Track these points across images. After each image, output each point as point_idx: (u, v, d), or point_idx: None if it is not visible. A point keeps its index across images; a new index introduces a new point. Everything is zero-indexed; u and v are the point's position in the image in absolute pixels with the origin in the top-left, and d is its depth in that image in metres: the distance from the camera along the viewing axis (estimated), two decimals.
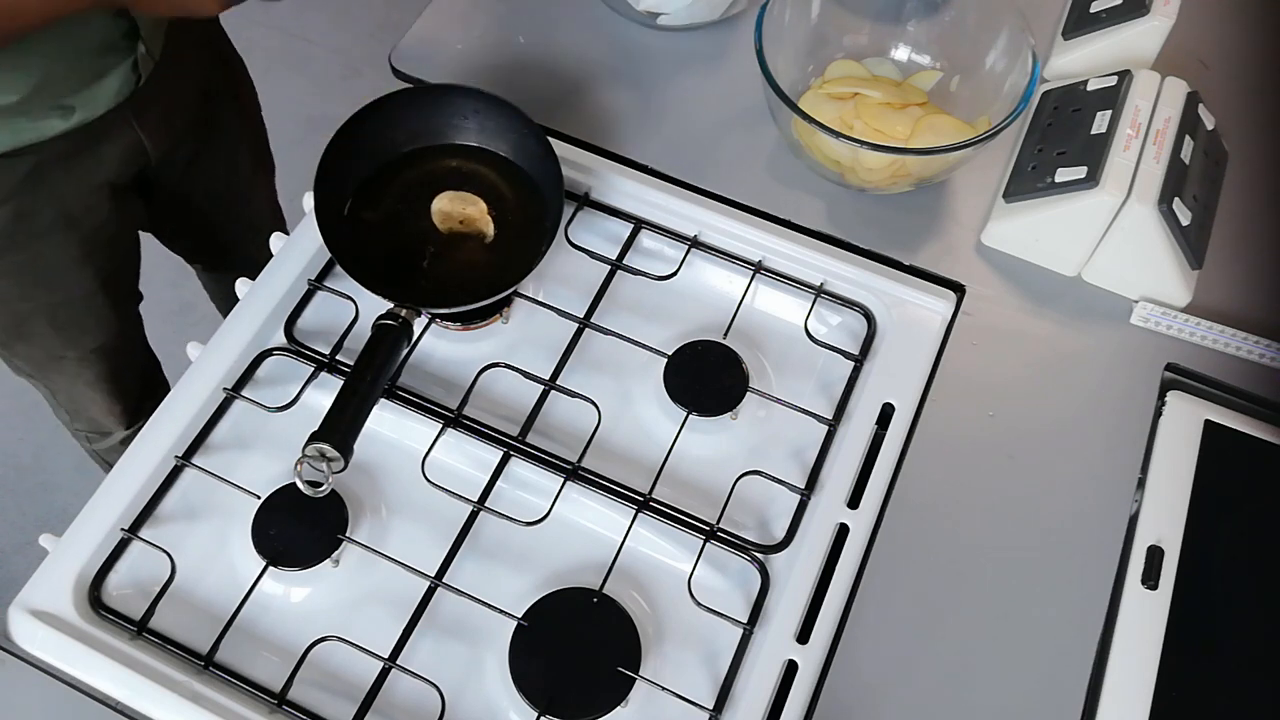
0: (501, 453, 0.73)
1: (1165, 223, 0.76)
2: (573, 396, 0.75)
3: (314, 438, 0.65)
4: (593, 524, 0.72)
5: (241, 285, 0.80)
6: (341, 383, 0.69)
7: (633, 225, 0.84)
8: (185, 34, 0.92)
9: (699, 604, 0.67)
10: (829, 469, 0.74)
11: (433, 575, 0.68)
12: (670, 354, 0.77)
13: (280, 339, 0.78)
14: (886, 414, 0.76)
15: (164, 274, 1.11)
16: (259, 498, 0.70)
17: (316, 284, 0.80)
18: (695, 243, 0.83)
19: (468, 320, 0.79)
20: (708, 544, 0.70)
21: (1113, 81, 0.83)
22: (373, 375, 0.69)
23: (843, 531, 0.71)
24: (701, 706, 0.64)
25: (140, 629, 0.66)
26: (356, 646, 0.65)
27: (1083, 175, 0.77)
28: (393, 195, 0.81)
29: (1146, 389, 0.78)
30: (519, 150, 0.82)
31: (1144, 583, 0.69)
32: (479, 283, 0.75)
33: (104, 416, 1.15)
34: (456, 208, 0.79)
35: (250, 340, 0.77)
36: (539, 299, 0.80)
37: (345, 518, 0.70)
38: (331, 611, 0.69)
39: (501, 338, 0.80)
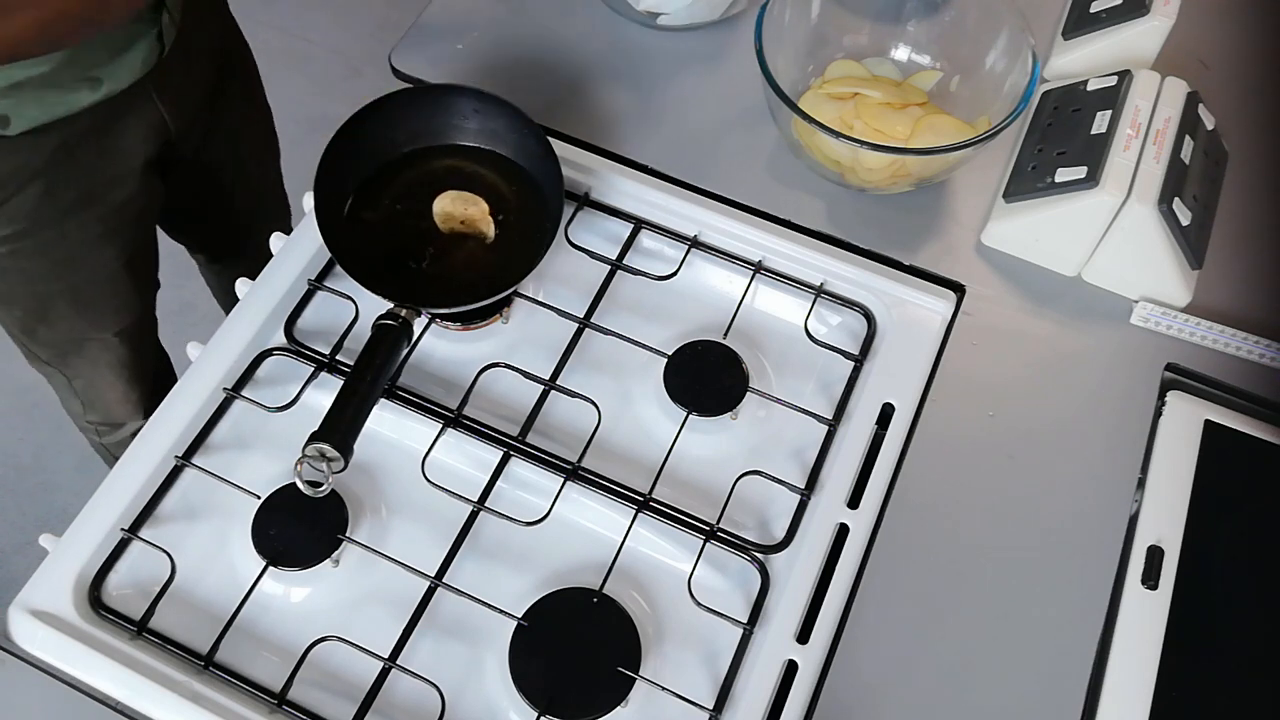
0: (501, 453, 0.73)
1: (1165, 223, 0.76)
2: (573, 396, 0.75)
3: (314, 438, 0.65)
4: (593, 524, 0.72)
5: (241, 285, 0.80)
6: (341, 383, 0.69)
7: (633, 225, 0.84)
8: (200, 3, 0.94)
9: (699, 604, 0.67)
10: (829, 469, 0.74)
11: (433, 575, 0.68)
12: (670, 354, 0.77)
13: (280, 339, 0.78)
14: (886, 414, 0.76)
15: (164, 274, 1.12)
16: (259, 498, 0.70)
17: (316, 284, 0.80)
18: (695, 243, 0.83)
19: (468, 320, 0.79)
20: (708, 544, 0.70)
21: (1113, 81, 0.83)
22: (373, 375, 0.69)
23: (843, 531, 0.71)
24: (701, 706, 0.64)
25: (140, 629, 0.66)
26: (356, 646, 0.65)
27: (1083, 175, 0.77)
28: (393, 195, 0.81)
29: (1146, 389, 0.78)
30: (519, 150, 0.82)
31: (1144, 583, 0.69)
32: (479, 283, 0.75)
33: (119, 404, 1.16)
34: (458, 208, 0.79)
35: (250, 340, 0.77)
36: (539, 299, 0.80)
37: (345, 518, 0.70)
38: (331, 611, 0.69)
39: (501, 338, 0.80)
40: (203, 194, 1.11)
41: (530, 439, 0.74)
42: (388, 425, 0.75)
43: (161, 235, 1.14)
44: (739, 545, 0.70)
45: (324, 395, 0.72)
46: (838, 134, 0.76)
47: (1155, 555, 0.70)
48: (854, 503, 0.72)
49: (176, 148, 0.99)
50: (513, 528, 0.70)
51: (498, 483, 0.72)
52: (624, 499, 0.72)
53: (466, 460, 0.74)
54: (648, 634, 0.68)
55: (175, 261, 1.26)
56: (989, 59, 0.85)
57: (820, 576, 0.69)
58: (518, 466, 0.73)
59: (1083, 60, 0.91)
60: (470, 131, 0.82)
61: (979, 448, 0.76)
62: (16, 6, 0.65)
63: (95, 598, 0.68)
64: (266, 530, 0.69)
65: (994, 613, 0.69)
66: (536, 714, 0.63)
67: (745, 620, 0.68)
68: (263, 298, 0.79)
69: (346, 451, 0.65)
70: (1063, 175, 0.79)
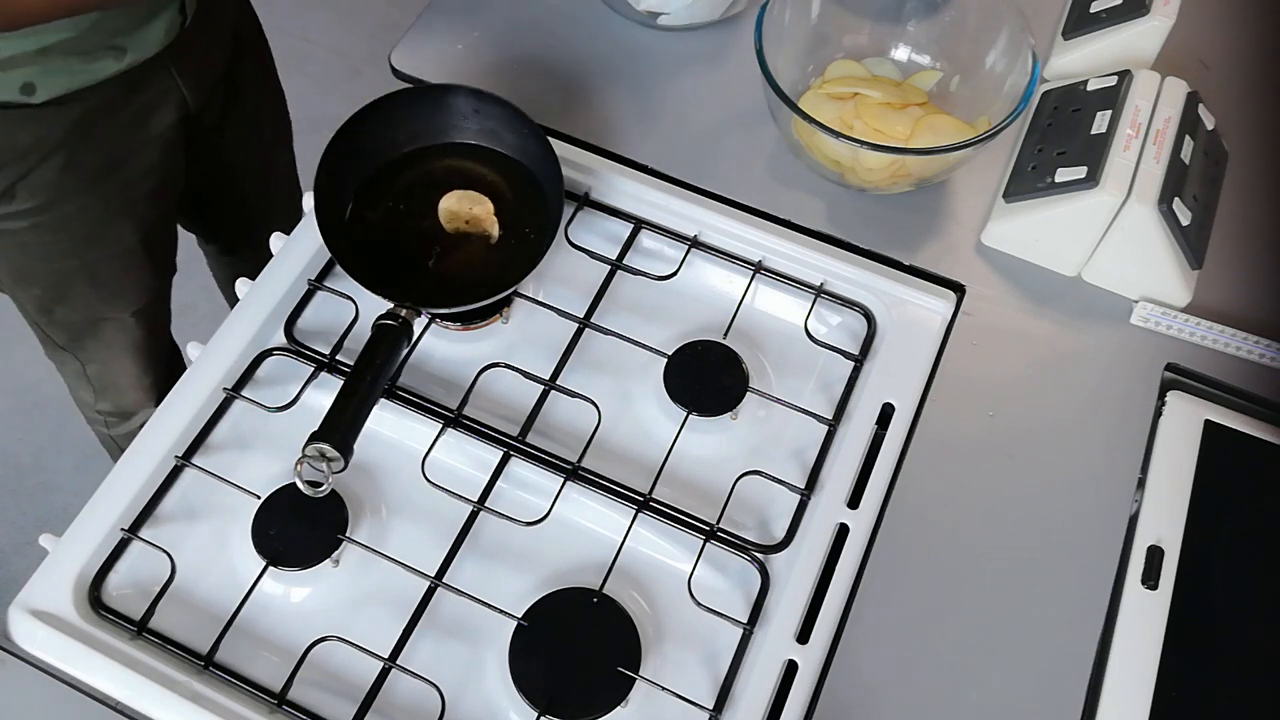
0: (501, 453, 0.73)
1: (1165, 223, 0.76)
2: (573, 396, 0.75)
3: (314, 438, 0.65)
4: (593, 524, 0.72)
5: (241, 285, 0.80)
6: (341, 383, 0.69)
7: (633, 225, 0.84)
8: None
9: (699, 604, 0.67)
10: (829, 469, 0.74)
11: (433, 575, 0.68)
12: (670, 354, 0.77)
13: (280, 339, 0.78)
14: (886, 414, 0.76)
15: None
16: (259, 498, 0.70)
17: (316, 284, 0.80)
18: (695, 243, 0.83)
19: (468, 320, 0.79)
20: (708, 544, 0.70)
21: (1113, 81, 0.83)
22: (373, 375, 0.69)
23: (843, 531, 0.71)
24: (701, 706, 0.64)
25: (140, 629, 0.66)
26: (356, 646, 0.65)
27: (1083, 175, 0.77)
28: (393, 195, 0.81)
29: (1146, 389, 0.78)
30: (519, 150, 0.82)
31: (1144, 583, 0.69)
32: (479, 283, 0.75)
33: (132, 390, 1.17)
34: (464, 207, 0.79)
35: (250, 340, 0.77)
36: (539, 299, 0.80)
37: (345, 518, 0.70)
38: (331, 611, 0.69)
39: (501, 338, 0.80)
40: (218, 174, 1.12)
41: (530, 439, 0.74)
42: (388, 425, 0.75)
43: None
44: (739, 545, 0.70)
45: (324, 395, 0.72)
46: (838, 134, 0.76)
47: (1155, 555, 0.70)
48: (854, 503, 0.72)
49: (194, 125, 0.99)
50: (513, 528, 0.70)
51: (498, 483, 0.72)
52: (624, 499, 0.72)
53: (466, 460, 0.74)
54: (648, 634, 0.68)
55: (177, 261, 1.26)
56: (989, 59, 0.85)
57: (820, 576, 0.69)
58: (518, 466, 0.73)
59: (1083, 60, 0.91)
60: (470, 131, 0.82)
61: (979, 448, 0.76)
62: None
63: (95, 598, 0.68)
64: (266, 530, 0.69)
65: (994, 613, 0.69)
66: (536, 714, 0.63)
67: (745, 620, 0.68)
68: (263, 298, 0.79)
69: (346, 451, 0.65)
70: (1063, 175, 0.79)
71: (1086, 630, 0.68)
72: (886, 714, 0.66)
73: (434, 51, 0.94)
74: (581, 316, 0.79)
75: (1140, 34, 0.87)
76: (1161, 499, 0.73)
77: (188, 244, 1.16)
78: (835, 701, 0.66)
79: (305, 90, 2.08)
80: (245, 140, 1.11)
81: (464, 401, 0.74)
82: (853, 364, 0.78)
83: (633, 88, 0.93)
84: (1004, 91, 0.82)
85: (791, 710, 0.65)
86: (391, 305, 0.72)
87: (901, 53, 0.90)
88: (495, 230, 0.79)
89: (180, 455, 0.72)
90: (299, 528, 0.69)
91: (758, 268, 0.82)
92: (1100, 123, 0.80)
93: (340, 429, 0.66)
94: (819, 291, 0.81)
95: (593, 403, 0.74)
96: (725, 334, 0.79)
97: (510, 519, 0.70)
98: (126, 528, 0.70)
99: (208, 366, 0.76)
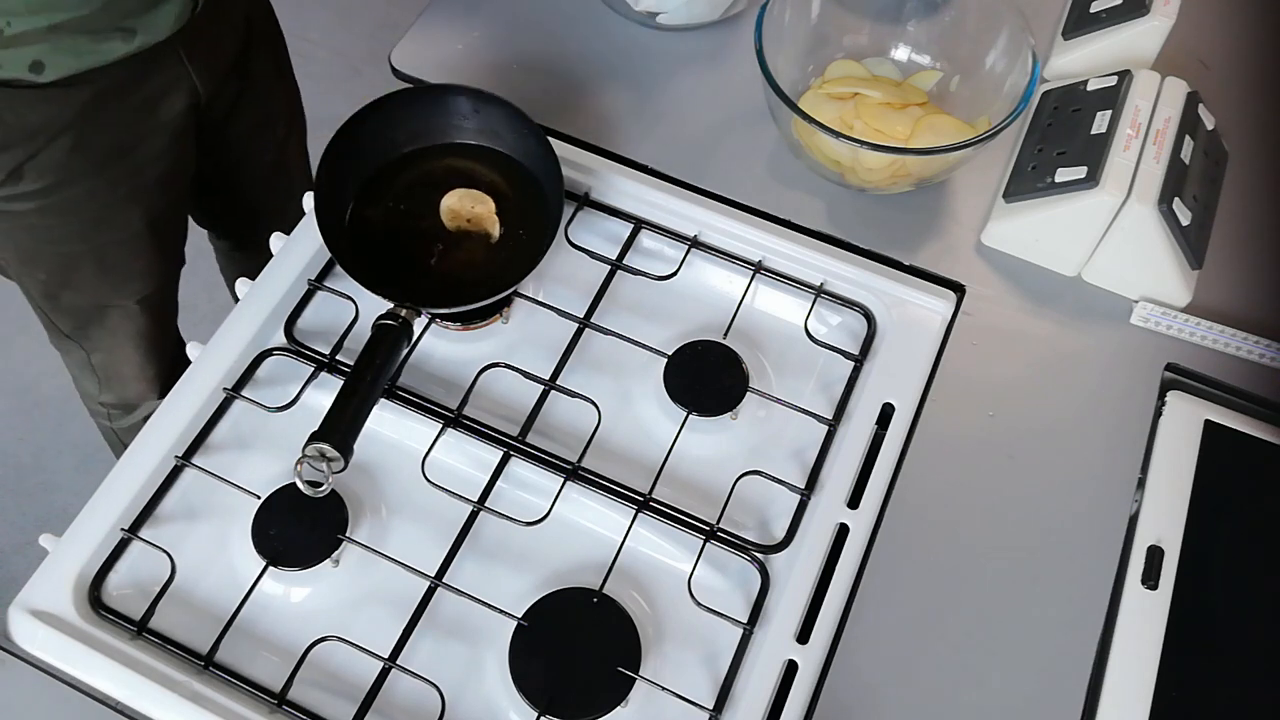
0: (501, 453, 0.73)
1: (1165, 223, 0.76)
2: (573, 396, 0.75)
3: (314, 438, 0.65)
4: (593, 524, 0.72)
5: (241, 285, 0.80)
6: (341, 383, 0.69)
7: (633, 225, 0.84)
8: None
9: (699, 604, 0.67)
10: (829, 469, 0.74)
11: (433, 575, 0.68)
12: (670, 354, 0.77)
13: (280, 339, 0.78)
14: (886, 414, 0.76)
15: None
16: (259, 498, 0.70)
17: (316, 284, 0.80)
18: (695, 243, 0.83)
19: (468, 320, 0.79)
20: (708, 544, 0.70)
21: (1113, 81, 0.83)
22: (373, 375, 0.69)
23: (843, 531, 0.71)
24: (701, 706, 0.64)
25: (140, 629, 0.66)
26: (356, 646, 0.65)
27: (1083, 175, 0.77)
28: (393, 195, 0.81)
29: (1146, 389, 0.78)
30: (519, 150, 0.82)
31: (1144, 583, 0.69)
32: (479, 283, 0.75)
33: (135, 380, 1.17)
34: (465, 205, 0.79)
35: (250, 340, 0.77)
36: (539, 299, 0.80)
37: (345, 518, 0.70)
38: (331, 611, 0.69)
39: (501, 338, 0.80)
40: (229, 166, 1.12)
41: (530, 439, 0.74)
42: (388, 425, 0.75)
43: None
44: (739, 545, 0.70)
45: (324, 395, 0.72)
46: (838, 134, 0.76)
47: (1155, 555, 0.70)
48: (854, 503, 0.72)
49: (206, 114, 0.99)
50: (513, 528, 0.70)
51: (498, 483, 0.72)
52: (624, 499, 0.72)
53: (466, 460, 0.74)
54: (648, 634, 0.68)
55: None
56: (989, 59, 0.85)
57: (820, 576, 0.69)
58: (518, 466, 0.73)
59: (1083, 60, 0.91)
60: (470, 131, 0.82)
61: (979, 448, 0.76)
62: None
63: (95, 598, 0.68)
64: (266, 530, 0.69)
65: (994, 613, 0.69)
66: (536, 714, 0.63)
67: (745, 620, 0.68)
68: (263, 298, 0.79)
69: (346, 451, 0.65)
70: (1063, 175, 0.79)
71: (1086, 630, 0.68)
72: (886, 714, 0.66)
73: (434, 51, 0.94)
74: (581, 316, 0.79)
75: (1140, 34, 0.87)
76: (1161, 499, 0.73)
77: (192, 242, 1.16)
78: (835, 701, 0.66)
79: (305, 90, 2.07)
80: (256, 132, 1.11)
81: (464, 401, 0.74)
82: (853, 364, 0.78)
83: (633, 88, 0.93)
84: (1004, 91, 0.82)
85: (791, 710, 0.65)
86: (391, 305, 0.72)
87: (901, 53, 0.90)
88: (496, 231, 0.79)
89: (180, 455, 0.72)
90: (299, 528, 0.69)
91: (758, 268, 0.82)
92: (1100, 123, 0.80)
93: (340, 429, 0.66)
94: (819, 291, 0.81)
95: (593, 403, 0.74)
96: (725, 334, 0.79)
97: (510, 519, 0.70)
98: (126, 528, 0.70)
99: (208, 366, 0.76)
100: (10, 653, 0.65)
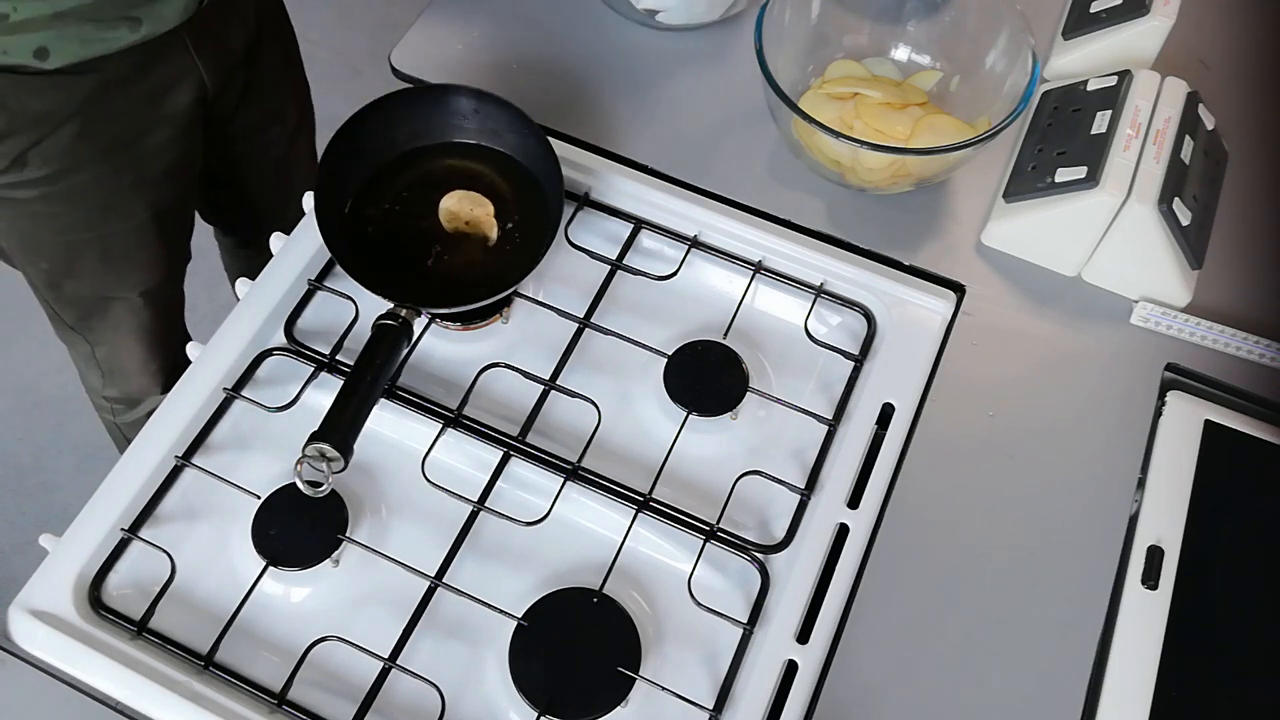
0: (501, 453, 0.73)
1: (1165, 223, 0.76)
2: (573, 396, 0.75)
3: (314, 438, 0.65)
4: (593, 524, 0.72)
5: (241, 285, 0.80)
6: (341, 383, 0.69)
7: (633, 225, 0.84)
8: None
9: (699, 604, 0.67)
10: (829, 469, 0.74)
11: (433, 575, 0.68)
12: (670, 354, 0.77)
13: (280, 339, 0.78)
14: (886, 414, 0.76)
15: None
16: (259, 498, 0.70)
17: (316, 284, 0.80)
18: (695, 243, 0.83)
19: (468, 320, 0.79)
20: (708, 544, 0.70)
21: (1113, 81, 0.83)
22: (373, 375, 0.69)
23: (843, 531, 0.71)
24: (701, 706, 0.64)
25: (140, 629, 0.66)
26: (356, 646, 0.65)
27: (1083, 175, 0.77)
28: (393, 195, 0.81)
29: (1146, 389, 0.78)
30: (519, 150, 0.82)
31: (1144, 583, 0.69)
32: (479, 283, 0.75)
33: (139, 374, 1.16)
34: (464, 207, 0.79)
35: (250, 340, 0.77)
36: (539, 299, 0.80)
37: (345, 518, 0.70)
38: (331, 611, 0.69)
39: (501, 338, 0.80)
40: (235, 161, 1.12)
41: (530, 439, 0.74)
42: (388, 425, 0.75)
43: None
44: (739, 545, 0.70)
45: (324, 395, 0.72)
46: (838, 134, 0.76)
47: (1155, 555, 0.70)
48: (854, 503, 0.72)
49: (212, 107, 0.99)
50: (513, 528, 0.70)
51: (498, 483, 0.72)
52: (624, 499, 0.72)
53: (466, 460, 0.74)
54: (648, 634, 0.68)
55: None
56: (989, 59, 0.85)
57: (820, 576, 0.69)
58: (518, 466, 0.73)
59: (1083, 60, 0.91)
60: (470, 131, 0.82)
61: (979, 448, 0.76)
62: None
63: (95, 598, 0.68)
64: (266, 530, 0.69)
65: (994, 613, 0.69)
66: (536, 714, 0.63)
67: (745, 620, 0.68)
68: (263, 298, 0.79)
69: (346, 451, 0.65)
70: (1063, 175, 0.79)
71: (1086, 630, 0.68)
72: (886, 714, 0.66)
73: (434, 51, 0.94)
74: (581, 316, 0.79)
75: (1140, 34, 0.87)
76: (1161, 499, 0.73)
77: (197, 240, 1.16)
78: (835, 701, 0.66)
79: None
80: (264, 128, 1.11)
81: (464, 401, 0.74)
82: (853, 364, 0.78)
83: (633, 88, 0.93)
84: (1004, 91, 0.82)
85: (791, 710, 0.65)
86: (391, 305, 0.72)
87: (901, 53, 0.90)
88: (494, 234, 0.79)
89: (180, 455, 0.72)
90: (299, 528, 0.69)
91: (758, 268, 0.82)
92: (1100, 123, 0.80)
93: (340, 429, 0.66)
94: (819, 291, 0.81)
95: (593, 403, 0.74)
96: (725, 334, 0.79)
97: (510, 519, 0.70)
98: (126, 528, 0.70)
99: (208, 366, 0.76)
100: (10, 653, 0.65)
